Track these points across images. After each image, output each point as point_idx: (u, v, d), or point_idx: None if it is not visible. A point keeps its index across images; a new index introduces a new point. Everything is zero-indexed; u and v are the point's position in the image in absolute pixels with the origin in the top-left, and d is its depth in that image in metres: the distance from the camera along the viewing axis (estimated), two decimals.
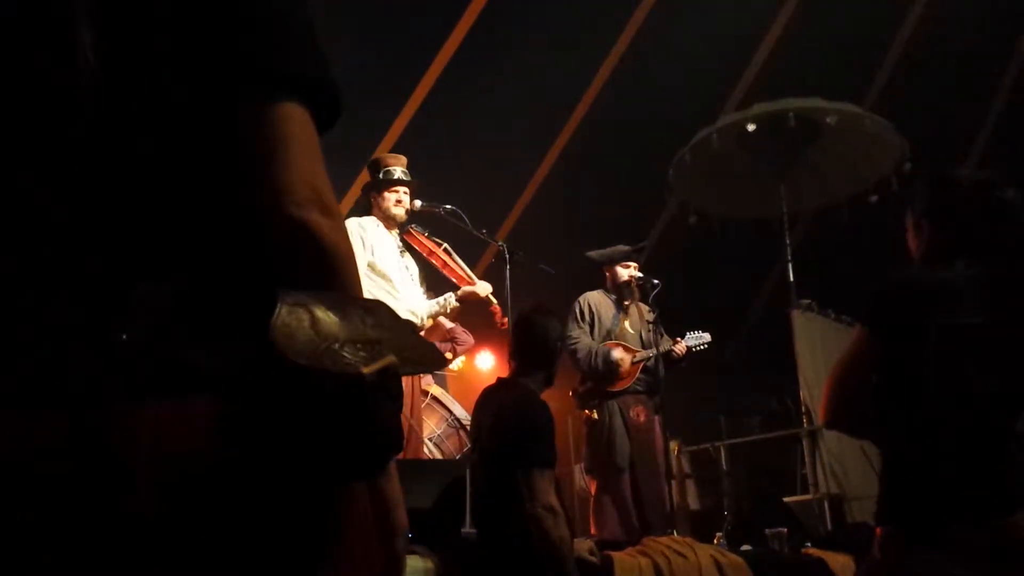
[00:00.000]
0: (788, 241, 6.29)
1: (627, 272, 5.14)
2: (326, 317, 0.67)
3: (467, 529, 3.34)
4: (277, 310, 0.66)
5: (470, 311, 4.60)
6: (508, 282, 4.31)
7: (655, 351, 4.88)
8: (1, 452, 0.68)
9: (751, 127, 6.04)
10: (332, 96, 0.85)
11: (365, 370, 0.65)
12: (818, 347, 5.65)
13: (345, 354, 0.65)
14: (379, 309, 0.73)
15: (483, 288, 4.33)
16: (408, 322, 0.74)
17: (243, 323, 0.70)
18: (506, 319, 4.28)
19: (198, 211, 0.77)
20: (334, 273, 0.78)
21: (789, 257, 6.19)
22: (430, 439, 4.61)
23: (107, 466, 0.68)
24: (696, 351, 5.13)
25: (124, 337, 0.70)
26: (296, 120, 0.80)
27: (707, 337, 5.14)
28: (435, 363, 0.75)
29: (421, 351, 0.72)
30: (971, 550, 1.75)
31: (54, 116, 0.76)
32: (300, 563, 0.73)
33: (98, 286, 0.72)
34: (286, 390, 0.66)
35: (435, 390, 4.84)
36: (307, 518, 0.72)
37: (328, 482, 0.72)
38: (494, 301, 4.37)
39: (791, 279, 6.04)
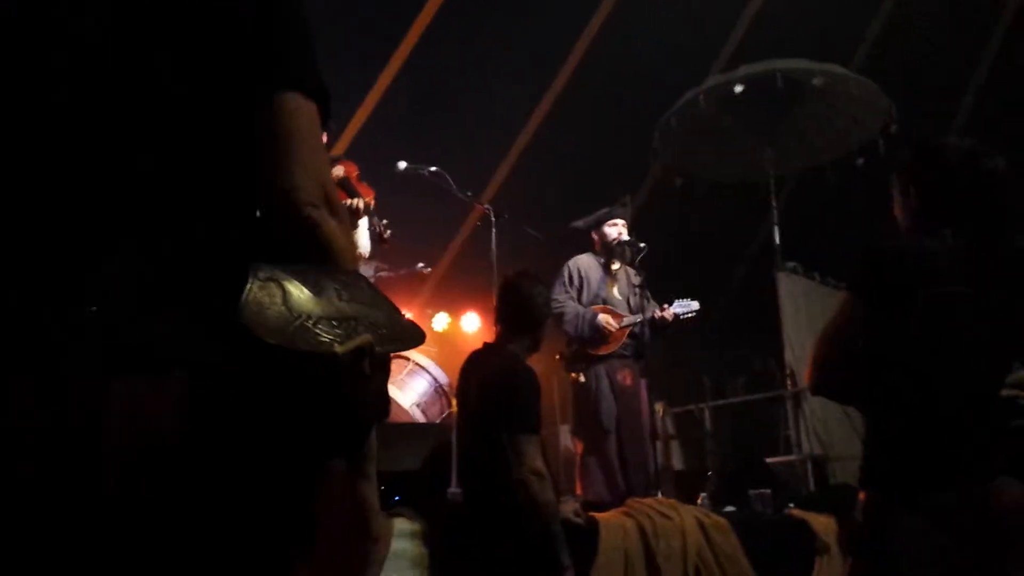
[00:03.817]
0: (774, 204, 6.28)
1: (615, 230, 5.10)
2: (299, 292, 0.64)
3: (453, 489, 3.34)
4: (248, 285, 0.63)
5: (459, 273, 4.53)
6: (494, 245, 4.25)
7: (641, 316, 4.87)
8: None
9: (738, 88, 5.99)
10: (327, 99, 0.91)
11: (339, 349, 0.62)
12: (803, 310, 5.67)
13: (319, 331, 0.62)
14: (357, 283, 0.70)
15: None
16: (387, 298, 0.72)
17: (215, 299, 0.68)
18: (388, 233, 4.13)
19: (172, 191, 0.77)
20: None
21: (775, 220, 6.18)
22: (416, 405, 4.63)
23: (71, 440, 0.66)
24: (683, 319, 5.10)
25: (93, 310, 0.68)
26: (306, 116, 0.85)
27: (695, 305, 5.07)
28: (413, 339, 0.73)
29: (399, 327, 0.69)
30: (952, 516, 1.76)
31: (48, 102, 0.77)
32: (269, 550, 0.71)
33: (68, 262, 0.70)
34: (257, 368, 0.64)
35: (418, 356, 4.83)
36: (279, 504, 0.70)
37: (302, 461, 0.70)
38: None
39: (777, 241, 6.04)
